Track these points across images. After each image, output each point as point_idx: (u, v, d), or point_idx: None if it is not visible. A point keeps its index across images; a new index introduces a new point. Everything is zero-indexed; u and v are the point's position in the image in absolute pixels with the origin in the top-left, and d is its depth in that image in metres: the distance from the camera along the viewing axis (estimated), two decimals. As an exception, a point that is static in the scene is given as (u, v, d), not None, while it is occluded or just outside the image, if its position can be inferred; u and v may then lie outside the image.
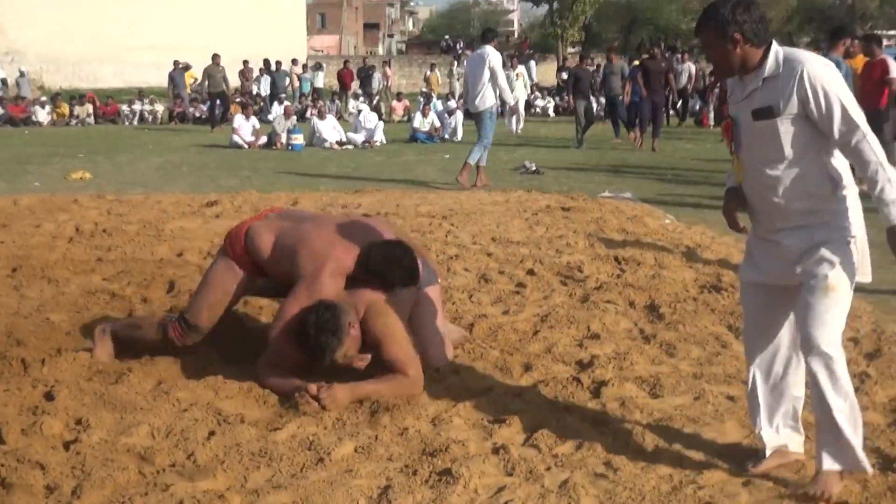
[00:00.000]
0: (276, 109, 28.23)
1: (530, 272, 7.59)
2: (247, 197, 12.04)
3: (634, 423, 4.56)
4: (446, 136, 23.01)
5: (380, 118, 24.01)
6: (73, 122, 31.25)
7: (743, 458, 4.17)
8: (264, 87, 32.93)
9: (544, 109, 32.92)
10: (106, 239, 9.18)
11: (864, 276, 3.89)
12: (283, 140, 21.34)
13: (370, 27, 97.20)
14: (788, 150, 3.70)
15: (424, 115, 23.41)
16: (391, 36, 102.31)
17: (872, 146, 3.57)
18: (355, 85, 33.92)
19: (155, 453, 4.21)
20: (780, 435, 4.07)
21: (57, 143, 23.27)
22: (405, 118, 28.63)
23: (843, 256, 3.71)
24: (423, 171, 16.31)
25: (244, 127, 21.98)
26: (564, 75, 34.61)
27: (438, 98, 28.58)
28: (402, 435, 4.45)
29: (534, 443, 4.34)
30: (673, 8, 62.91)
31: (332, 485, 3.87)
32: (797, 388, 4.08)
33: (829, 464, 3.75)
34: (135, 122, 31.79)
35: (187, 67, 33.58)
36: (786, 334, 4.03)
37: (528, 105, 31.16)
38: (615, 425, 4.56)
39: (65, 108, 31.76)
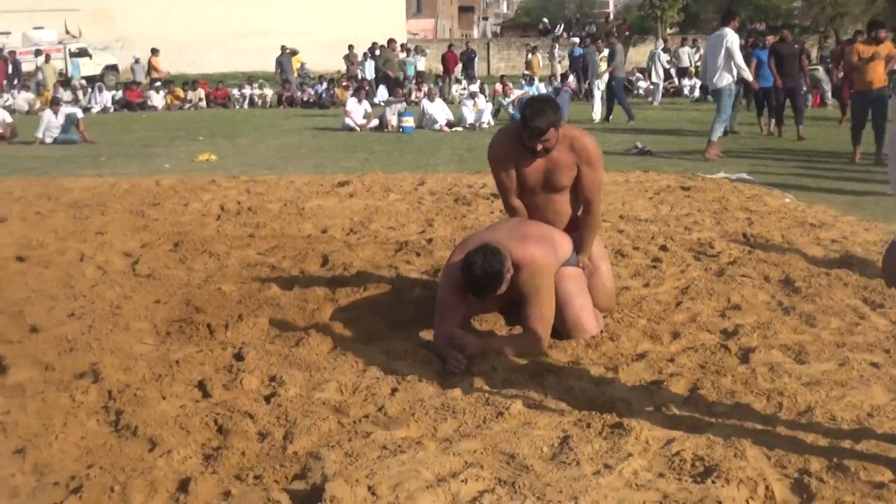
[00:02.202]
0: (383, 92, 28.77)
1: (663, 248, 7.85)
2: (374, 178, 12.44)
3: (785, 386, 4.83)
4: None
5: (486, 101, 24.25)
6: (187, 106, 32.14)
7: (892, 418, 4.42)
8: (369, 71, 33.42)
9: (646, 91, 32.82)
10: (252, 216, 9.68)
11: None
12: (395, 122, 21.74)
13: (465, 10, 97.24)
14: None
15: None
16: (486, 19, 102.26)
17: None
18: (458, 69, 34.21)
19: (349, 406, 4.62)
20: None
21: (176, 126, 24.08)
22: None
23: None
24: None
25: (356, 110, 22.45)
26: (666, 56, 34.49)
27: (541, 80, 28.80)
28: (569, 393, 4.78)
29: (693, 402, 4.65)
30: (775, -15, 61.85)
31: (515, 434, 4.22)
32: None
33: None
34: (245, 106, 32.57)
35: (294, 52, 34.28)
36: None
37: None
38: (767, 387, 4.83)
39: (179, 93, 32.68)
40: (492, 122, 22.48)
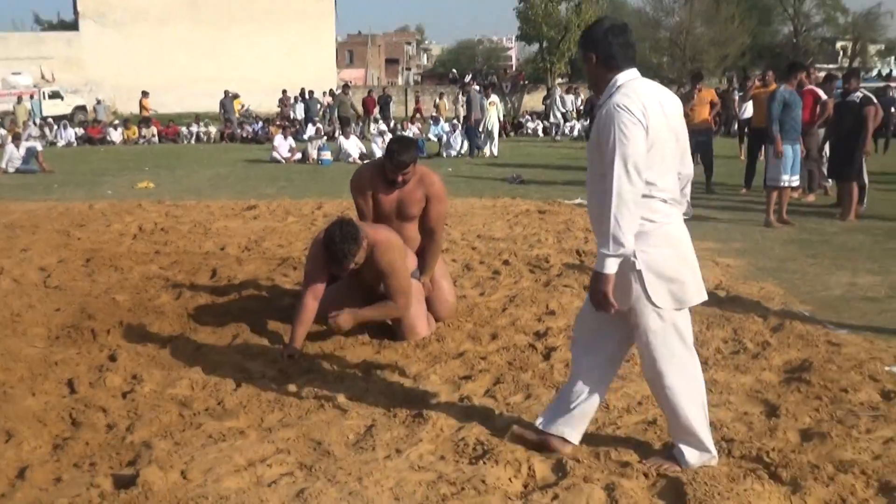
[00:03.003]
0: (310, 130, 28.52)
1: (505, 262, 7.84)
2: (280, 203, 12.28)
3: (574, 380, 4.80)
4: (452, 153, 23.10)
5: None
6: (142, 141, 31.54)
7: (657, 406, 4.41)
8: (300, 112, 33.16)
9: (534, 130, 33.06)
10: (163, 236, 9.47)
11: None
12: (315, 156, 21.56)
13: (391, 62, 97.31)
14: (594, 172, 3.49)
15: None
16: (409, 69, 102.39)
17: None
18: (377, 110, 34.06)
19: (193, 401, 4.50)
20: None
21: (127, 159, 23.57)
22: (422, 137, 28.66)
23: None
24: (428, 181, 16.43)
25: (282, 145, 22.21)
26: (548, 101, 34.75)
27: (446, 121, 28.77)
28: (389, 388, 4.71)
29: (492, 394, 4.61)
30: (646, 45, 62.77)
31: (329, 424, 4.14)
32: None
33: None
34: (192, 142, 32.06)
35: (236, 96, 33.90)
36: None
37: (503, 130, 31.46)
38: (559, 380, 4.80)
39: (134, 130, 32.06)
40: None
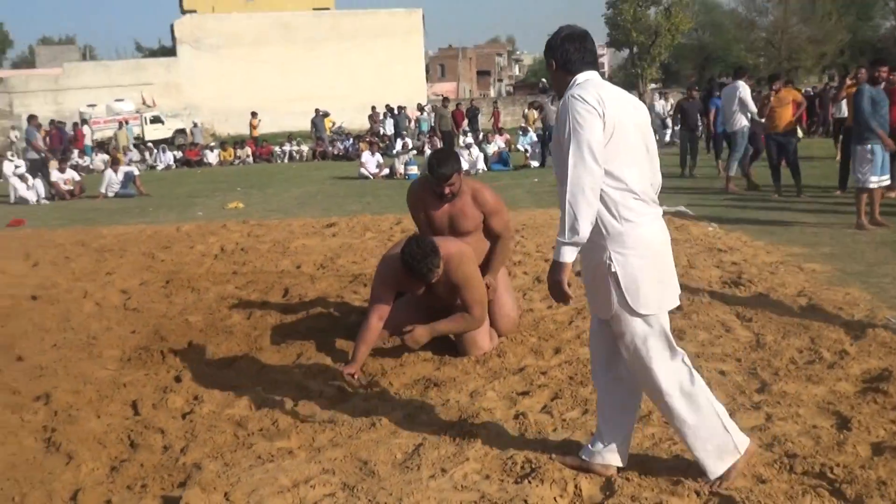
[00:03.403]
0: (398, 145, 28.81)
1: (578, 274, 7.69)
2: (360, 219, 12.39)
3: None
4: (536, 163, 22.92)
5: (481, 150, 24.05)
6: (237, 162, 32.32)
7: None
8: (389, 127, 33.52)
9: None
10: (242, 256, 9.64)
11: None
12: (402, 171, 21.73)
13: (483, 74, 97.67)
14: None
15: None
16: (500, 80, 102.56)
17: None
18: (465, 123, 34.14)
19: (248, 421, 4.53)
20: None
21: (221, 180, 24.16)
22: (508, 149, 28.58)
23: None
24: (513, 193, 16.31)
25: (370, 161, 22.47)
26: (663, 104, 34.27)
27: (536, 132, 28.62)
28: (445, 405, 4.67)
29: (548, 410, 4.52)
30: (741, 46, 61.59)
31: (377, 443, 4.11)
32: None
33: None
34: (285, 161, 32.68)
35: (326, 114, 34.49)
36: None
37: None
38: (619, 395, 4.68)
39: (230, 152, 32.88)
40: (484, 169, 22.39)
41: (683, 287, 6.94)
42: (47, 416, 4.74)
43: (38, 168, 21.14)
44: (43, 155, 21.51)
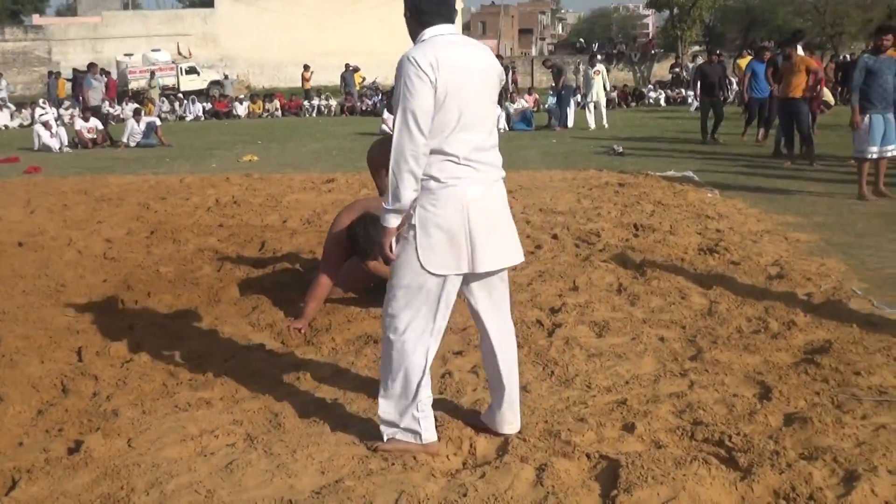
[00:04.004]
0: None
1: (554, 236, 7.72)
2: (361, 176, 12.40)
3: (568, 357, 4.71)
4: (557, 125, 22.68)
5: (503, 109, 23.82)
6: (265, 115, 32.44)
7: (643, 385, 4.29)
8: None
9: (656, 100, 32.29)
10: (234, 209, 9.74)
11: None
12: (422, 128, 21.68)
13: (525, 32, 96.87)
14: None
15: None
16: (543, 39, 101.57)
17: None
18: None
19: (181, 370, 4.64)
20: None
21: (245, 132, 24.29)
22: (535, 109, 28.30)
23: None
24: (526, 154, 16.22)
25: (390, 118, 22.32)
26: (677, 70, 33.95)
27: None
28: (376, 362, 4.70)
29: (476, 370, 4.56)
30: (788, 10, 60.26)
31: (294, 396, 4.20)
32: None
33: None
34: (313, 115, 32.75)
35: (356, 69, 34.44)
36: None
37: (623, 101, 30.88)
38: (552, 357, 4.72)
39: (259, 105, 33.00)
40: (506, 128, 22.27)
41: (654, 252, 6.98)
42: (-6, 356, 4.87)
43: (98, 116, 21.58)
44: (100, 103, 21.96)
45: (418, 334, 3.44)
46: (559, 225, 8.19)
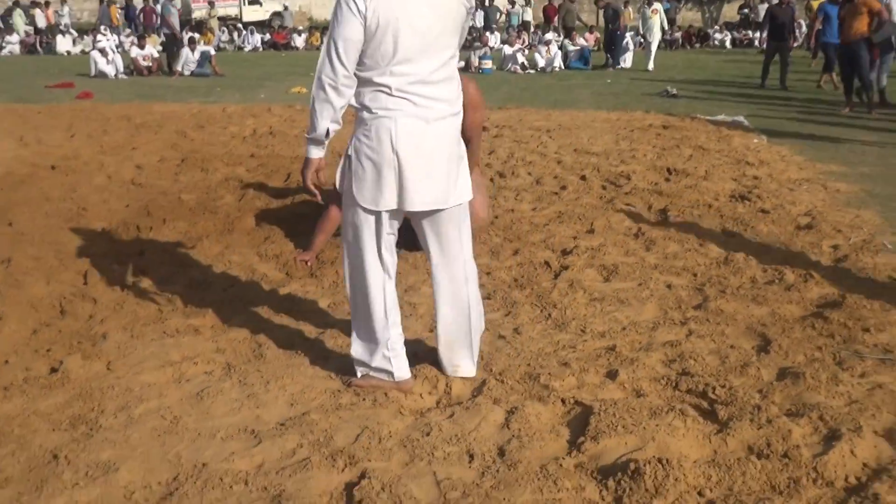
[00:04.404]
0: (491, 39, 28.32)
1: (582, 177, 7.57)
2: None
3: (569, 300, 4.64)
4: (615, 64, 22.21)
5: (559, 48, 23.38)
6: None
7: (640, 332, 4.20)
8: (479, 20, 32.96)
9: (722, 42, 31.42)
10: (269, 140, 9.74)
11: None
12: (476, 64, 21.44)
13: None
14: None
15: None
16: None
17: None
18: (556, 19, 33.31)
19: (177, 298, 4.66)
20: None
21: (300, 64, 24.22)
22: (595, 48, 27.73)
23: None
24: (578, 94, 15.94)
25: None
26: (746, 10, 32.98)
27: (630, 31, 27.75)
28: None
29: (491, 308, 4.49)
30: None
31: (282, 328, 4.20)
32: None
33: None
34: (373, 49, 32.49)
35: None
36: None
37: (687, 41, 30.11)
38: (553, 299, 4.64)
39: (317, 37, 32.88)
40: (562, 67, 21.91)
41: (681, 197, 6.81)
42: (4, 275, 4.95)
43: (172, 45, 21.65)
44: (177, 33, 22.11)
45: (371, 270, 3.39)
46: (590, 166, 8.03)
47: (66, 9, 33.22)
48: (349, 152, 3.27)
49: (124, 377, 3.58)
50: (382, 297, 3.44)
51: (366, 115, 3.20)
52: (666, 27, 23.77)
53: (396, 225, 3.44)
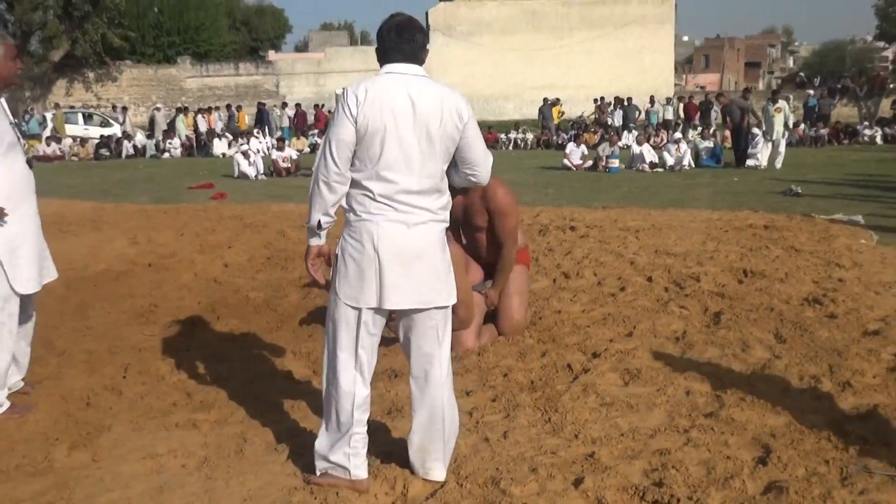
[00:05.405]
0: (627, 137, 28.38)
1: (648, 279, 7.45)
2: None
3: (578, 405, 4.57)
4: (751, 162, 21.65)
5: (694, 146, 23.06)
6: (462, 147, 33.01)
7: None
8: (617, 119, 33.15)
9: (871, 138, 30.30)
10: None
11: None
12: (603, 163, 21.47)
13: (751, 65, 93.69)
14: None
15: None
16: (772, 73, 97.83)
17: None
18: (697, 116, 33.10)
19: (196, 392, 4.85)
20: None
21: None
22: (728, 146, 27.11)
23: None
24: (697, 193, 15.56)
25: (574, 152, 22.42)
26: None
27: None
28: (380, 397, 4.76)
29: (470, 411, 4.51)
30: None
31: (275, 425, 4.31)
32: None
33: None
34: (509, 148, 33.07)
35: (556, 102, 34.53)
36: None
37: (833, 138, 29.16)
38: (564, 404, 4.58)
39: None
40: (692, 165, 21.63)
41: (745, 300, 6.60)
42: (54, 368, 5.30)
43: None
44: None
45: (344, 366, 3.52)
46: (662, 267, 7.89)
47: (220, 114, 35.39)
48: (337, 251, 3.50)
49: (105, 468, 3.78)
50: (352, 395, 3.54)
51: (352, 216, 3.45)
52: (790, 124, 23.15)
53: (380, 325, 3.56)
